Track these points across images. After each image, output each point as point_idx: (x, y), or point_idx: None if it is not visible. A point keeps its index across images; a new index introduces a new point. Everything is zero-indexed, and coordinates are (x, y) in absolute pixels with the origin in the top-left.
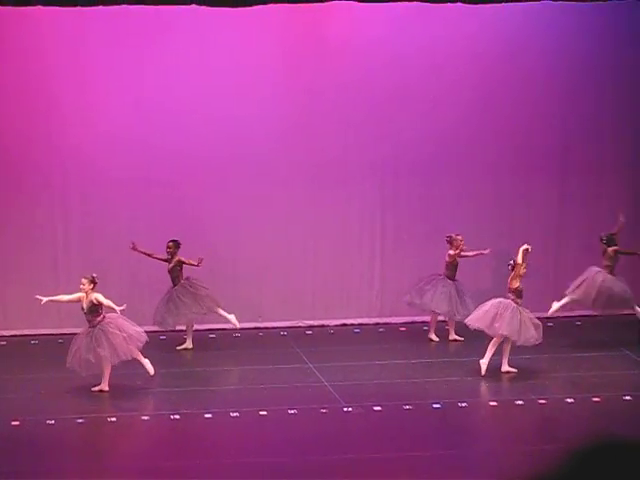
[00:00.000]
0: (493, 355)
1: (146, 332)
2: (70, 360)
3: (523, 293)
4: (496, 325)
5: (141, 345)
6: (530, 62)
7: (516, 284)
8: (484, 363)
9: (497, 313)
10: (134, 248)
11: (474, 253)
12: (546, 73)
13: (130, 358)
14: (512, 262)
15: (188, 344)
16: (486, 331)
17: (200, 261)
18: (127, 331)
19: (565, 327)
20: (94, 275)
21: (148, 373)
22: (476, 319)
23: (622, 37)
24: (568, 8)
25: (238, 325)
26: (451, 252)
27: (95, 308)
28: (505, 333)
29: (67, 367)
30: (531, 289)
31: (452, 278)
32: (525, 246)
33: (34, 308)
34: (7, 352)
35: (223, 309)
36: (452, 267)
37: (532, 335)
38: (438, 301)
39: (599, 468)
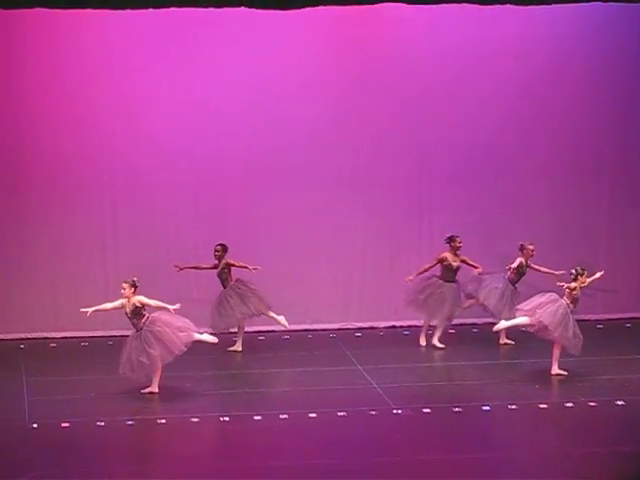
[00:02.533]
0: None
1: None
2: (122, 367)
3: (579, 302)
4: (539, 311)
5: (193, 329)
6: (578, 64)
7: (574, 290)
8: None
9: (543, 302)
10: (180, 269)
11: (546, 270)
12: (595, 75)
13: (187, 346)
14: (575, 272)
15: (238, 346)
16: (528, 317)
17: (253, 267)
18: (174, 324)
19: (614, 330)
20: (135, 279)
21: (213, 344)
22: (525, 304)
23: None
24: (617, 9)
25: (288, 326)
26: (521, 260)
27: (139, 311)
28: (545, 322)
29: (120, 374)
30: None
31: (513, 283)
32: (598, 275)
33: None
34: (57, 354)
35: (273, 311)
36: (518, 273)
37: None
38: (489, 295)
39: None
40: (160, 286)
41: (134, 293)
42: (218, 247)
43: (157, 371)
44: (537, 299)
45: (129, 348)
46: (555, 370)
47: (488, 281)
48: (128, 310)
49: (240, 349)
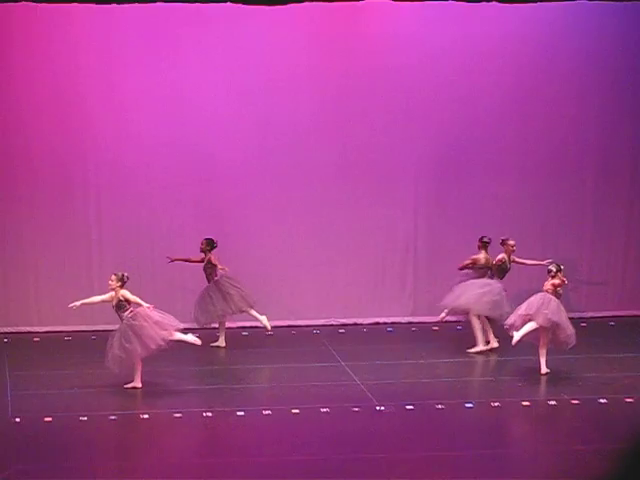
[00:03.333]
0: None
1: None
2: (106, 360)
3: (561, 298)
4: (545, 312)
5: (175, 327)
6: (567, 62)
7: (555, 285)
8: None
9: (544, 302)
10: (171, 260)
11: (532, 262)
12: (582, 73)
13: (165, 343)
14: (554, 269)
15: (220, 342)
16: (534, 320)
17: (221, 267)
18: (154, 318)
19: (598, 328)
20: (124, 273)
21: (195, 345)
22: (526, 309)
23: None
24: (604, 7)
25: (269, 327)
26: (503, 255)
27: (122, 305)
28: (555, 319)
29: (105, 366)
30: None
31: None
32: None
33: (67, 304)
34: (41, 348)
35: (255, 309)
36: (500, 269)
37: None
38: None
39: None
40: (144, 281)
41: (121, 287)
42: (203, 241)
43: (138, 366)
44: (535, 301)
45: (111, 341)
46: (545, 369)
47: (472, 289)
48: (114, 303)
49: (223, 345)
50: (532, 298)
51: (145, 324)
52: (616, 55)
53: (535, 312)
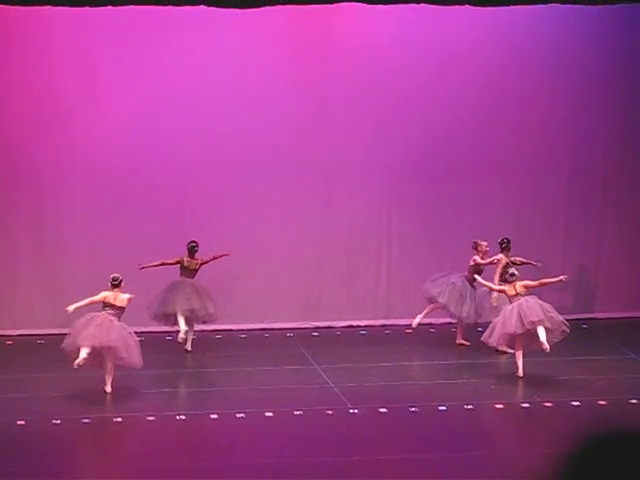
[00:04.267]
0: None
1: (153, 333)
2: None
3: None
4: (553, 315)
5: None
6: (538, 65)
7: (527, 287)
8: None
9: (544, 305)
10: (142, 268)
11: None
12: (555, 76)
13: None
14: (517, 273)
15: (187, 346)
16: (544, 326)
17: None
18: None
19: (571, 330)
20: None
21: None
22: (531, 315)
23: (633, 39)
24: (576, 11)
25: (181, 337)
26: (477, 258)
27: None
28: (561, 319)
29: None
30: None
31: (471, 282)
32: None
33: (40, 308)
34: (13, 351)
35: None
36: (475, 272)
37: None
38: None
39: (601, 465)
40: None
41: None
42: (194, 244)
43: (110, 370)
44: (535, 305)
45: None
46: (522, 372)
47: (446, 284)
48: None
49: (190, 349)
50: (507, 314)
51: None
52: (589, 57)
53: (545, 316)
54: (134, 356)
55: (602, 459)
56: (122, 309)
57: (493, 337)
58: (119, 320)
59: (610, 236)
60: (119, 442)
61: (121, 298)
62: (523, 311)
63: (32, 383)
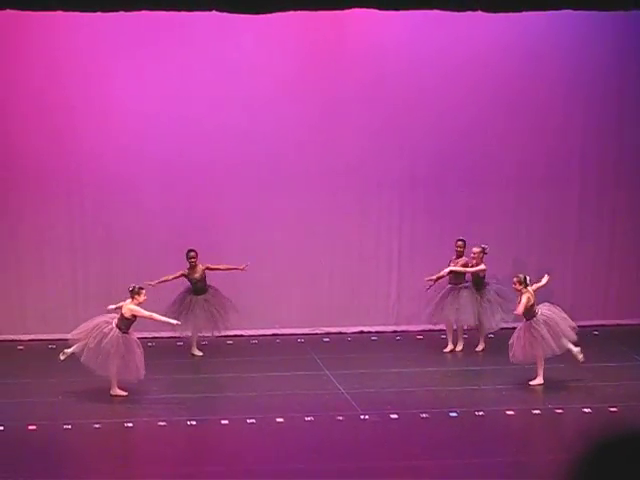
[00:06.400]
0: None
1: (163, 338)
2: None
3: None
4: (573, 322)
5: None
6: (550, 71)
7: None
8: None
9: (559, 313)
10: (152, 286)
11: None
12: (566, 82)
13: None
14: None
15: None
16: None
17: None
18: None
19: (582, 337)
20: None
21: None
22: (553, 325)
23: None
24: (588, 17)
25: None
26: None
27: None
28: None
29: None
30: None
31: (479, 290)
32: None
33: (52, 313)
34: (25, 357)
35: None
36: (479, 277)
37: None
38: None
39: (610, 469)
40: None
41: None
42: (193, 253)
43: (114, 374)
44: (554, 315)
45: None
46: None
47: (453, 302)
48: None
49: (196, 353)
50: (548, 308)
51: (138, 350)
52: (602, 63)
53: (568, 325)
54: (130, 374)
55: (612, 464)
56: (128, 319)
57: (525, 357)
58: (129, 328)
59: (622, 243)
60: (130, 447)
61: (126, 308)
62: (557, 334)
63: (43, 388)
